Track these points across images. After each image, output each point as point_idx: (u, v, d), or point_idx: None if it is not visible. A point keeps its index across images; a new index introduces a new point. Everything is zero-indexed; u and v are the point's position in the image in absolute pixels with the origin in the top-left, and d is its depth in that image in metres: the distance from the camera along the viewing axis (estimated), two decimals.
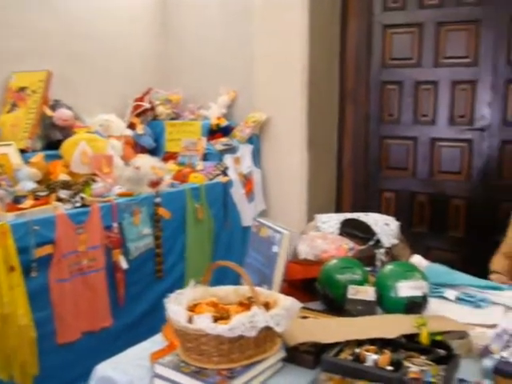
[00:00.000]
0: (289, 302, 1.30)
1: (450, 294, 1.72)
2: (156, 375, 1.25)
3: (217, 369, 1.21)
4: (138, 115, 3.56)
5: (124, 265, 2.63)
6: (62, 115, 3.01)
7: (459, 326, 1.44)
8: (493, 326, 1.54)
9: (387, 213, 3.69)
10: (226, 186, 3.29)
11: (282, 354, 1.32)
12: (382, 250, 2.51)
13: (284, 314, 1.26)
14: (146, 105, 3.58)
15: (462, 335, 1.42)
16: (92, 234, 2.49)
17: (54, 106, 3.04)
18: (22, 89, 3.00)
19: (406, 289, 1.56)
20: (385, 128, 3.68)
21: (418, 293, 1.56)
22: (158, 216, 2.83)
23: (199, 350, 1.22)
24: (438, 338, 1.36)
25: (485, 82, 3.34)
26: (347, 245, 1.95)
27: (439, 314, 1.56)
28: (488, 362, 1.26)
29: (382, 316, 1.52)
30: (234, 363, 1.22)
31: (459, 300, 1.70)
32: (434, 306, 1.67)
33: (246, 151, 3.45)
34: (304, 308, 1.62)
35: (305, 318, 1.56)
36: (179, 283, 2.93)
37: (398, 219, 3.70)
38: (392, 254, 2.56)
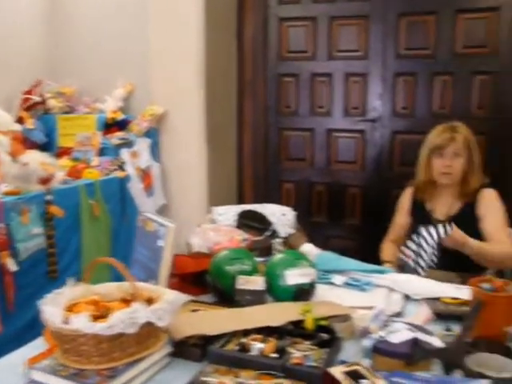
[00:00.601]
0: (172, 296, 1.28)
1: (338, 279, 1.77)
2: (31, 382, 1.18)
3: (97, 369, 1.16)
4: (28, 109, 3.38)
5: (12, 267, 2.48)
6: None
7: (343, 309, 1.49)
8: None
9: (287, 203, 3.76)
10: (124, 180, 3.20)
11: (168, 349, 1.30)
12: (279, 240, 2.55)
13: (167, 308, 1.23)
14: (36, 98, 3.41)
15: (346, 318, 1.46)
16: None
17: None
18: None
19: (294, 277, 1.58)
20: (283, 120, 3.74)
21: (306, 280, 1.59)
22: (49, 214, 2.70)
23: (78, 351, 1.17)
24: (323, 322, 1.40)
25: (375, 74, 3.48)
26: (240, 236, 1.96)
27: (326, 300, 1.61)
28: (367, 342, 1.30)
29: (270, 304, 1.54)
30: (115, 362, 1.18)
31: (346, 285, 1.76)
32: (323, 291, 1.71)
33: (143, 145, 3.37)
34: (194, 301, 1.61)
35: (195, 311, 1.54)
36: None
37: (297, 209, 3.78)
38: (289, 244, 2.61)
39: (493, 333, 1.37)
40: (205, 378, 1.19)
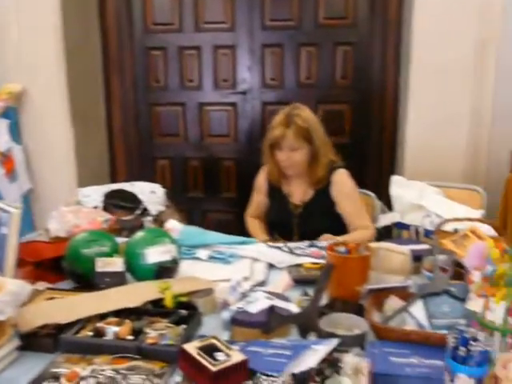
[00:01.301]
0: (15, 287, 1.19)
1: (202, 253, 1.76)
2: None
3: None
4: None
5: None
6: None
7: (203, 284, 1.48)
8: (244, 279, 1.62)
9: (163, 180, 3.71)
10: None
11: (15, 344, 1.21)
12: (150, 218, 2.51)
13: (8, 300, 1.15)
14: None
15: (208, 293, 1.46)
16: None
17: None
18: None
19: (154, 255, 1.55)
20: (153, 95, 3.64)
21: (167, 257, 1.56)
22: None
23: None
24: (183, 299, 1.38)
25: (243, 46, 3.47)
26: (102, 217, 1.88)
27: (190, 275, 1.59)
28: (226, 315, 1.31)
29: (130, 285, 1.49)
30: None
31: (210, 258, 1.75)
32: (188, 267, 1.70)
33: (1, 126, 3.12)
34: (51, 289, 1.53)
35: (51, 299, 1.46)
36: None
37: (173, 185, 3.75)
38: (160, 221, 2.57)
39: (347, 293, 1.43)
40: (55, 370, 1.13)
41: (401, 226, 2.37)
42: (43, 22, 3.14)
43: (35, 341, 1.25)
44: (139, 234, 1.62)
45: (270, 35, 3.45)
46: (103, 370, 1.13)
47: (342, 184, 2.19)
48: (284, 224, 2.24)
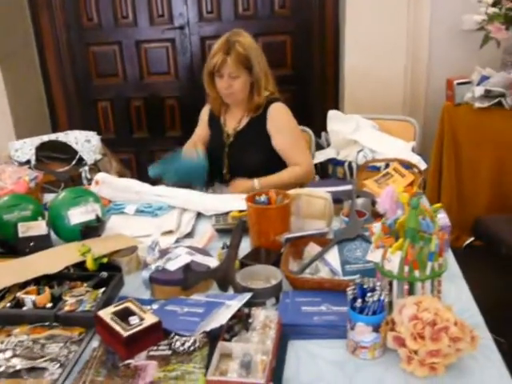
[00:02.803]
0: None
1: (129, 208, 1.76)
2: None
3: None
4: None
5: None
6: None
7: (126, 242, 1.49)
8: (169, 233, 1.64)
9: (106, 122, 3.65)
10: None
11: None
12: (87, 168, 2.48)
13: None
14: None
15: (132, 250, 1.47)
16: None
17: None
18: None
19: (77, 215, 1.54)
20: (87, 34, 3.49)
21: (91, 217, 1.56)
22: None
23: None
24: (104, 260, 1.39)
25: None
26: (28, 176, 1.84)
27: (116, 233, 1.60)
28: (145, 274, 1.33)
29: (50, 250, 1.48)
30: None
31: (138, 212, 1.75)
32: (117, 222, 1.70)
33: None
34: None
35: None
36: None
37: (117, 127, 3.69)
38: (98, 170, 2.54)
39: (268, 242, 1.46)
40: None
41: (336, 162, 2.41)
42: None
43: None
44: (62, 195, 1.61)
45: None
46: (21, 341, 1.15)
47: (278, 117, 2.14)
48: (215, 156, 2.20)
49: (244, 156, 2.13)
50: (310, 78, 3.46)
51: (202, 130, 2.30)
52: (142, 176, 3.74)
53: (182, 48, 3.46)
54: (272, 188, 1.62)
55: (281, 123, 2.13)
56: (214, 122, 2.24)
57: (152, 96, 3.58)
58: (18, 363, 1.09)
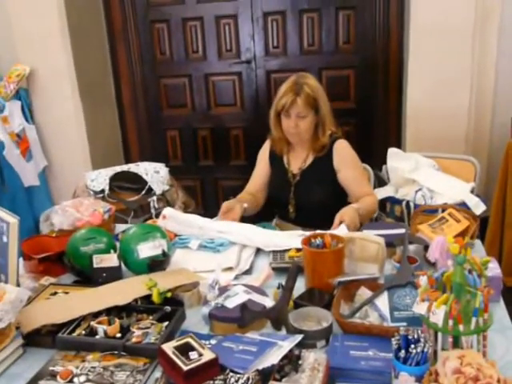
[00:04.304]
0: (13, 295, 1.34)
1: (193, 243, 1.87)
2: None
3: None
4: None
5: None
6: None
7: (189, 277, 1.60)
8: (229, 269, 1.74)
9: (174, 151, 3.84)
10: None
11: (18, 343, 1.37)
12: (155, 198, 2.64)
13: (7, 308, 1.29)
14: None
15: (194, 285, 1.58)
16: None
17: None
18: None
19: (146, 250, 1.67)
20: (159, 67, 3.70)
21: (158, 251, 1.69)
22: None
23: None
24: (168, 294, 1.51)
25: (245, 15, 3.48)
26: (103, 208, 2.00)
27: (179, 267, 1.72)
28: (205, 310, 1.43)
29: (120, 282, 1.62)
30: None
31: (201, 247, 1.86)
32: (180, 257, 1.82)
33: (14, 108, 3.26)
34: (54, 284, 1.68)
35: (54, 294, 1.61)
36: None
37: (184, 156, 3.87)
38: (165, 199, 2.70)
39: (322, 284, 1.54)
40: (52, 368, 1.29)
41: (394, 200, 2.44)
42: (44, 5, 3.21)
43: (37, 338, 1.40)
44: (132, 230, 1.75)
45: (271, 2, 3.45)
46: (94, 367, 1.28)
47: (344, 153, 2.25)
48: (281, 195, 2.31)
49: (310, 194, 2.23)
50: (373, 112, 3.52)
51: (262, 169, 2.39)
52: (206, 202, 3.92)
53: (248, 81, 3.60)
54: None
55: (348, 158, 2.24)
56: (276, 161, 2.33)
57: (218, 126, 3.74)
58: None
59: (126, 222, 2.52)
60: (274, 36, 3.50)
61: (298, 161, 2.29)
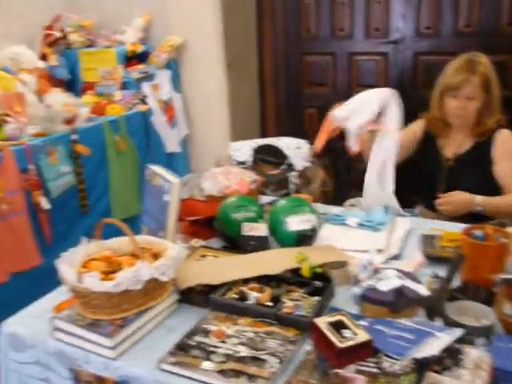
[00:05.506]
0: (175, 252, 1.39)
1: (351, 220, 1.84)
2: (56, 328, 1.35)
3: (110, 319, 1.31)
4: (50, 45, 3.43)
5: (46, 205, 2.65)
6: None
7: (339, 255, 1.58)
8: (379, 251, 1.69)
9: (310, 129, 3.81)
10: (146, 114, 3.28)
11: (174, 298, 1.43)
12: (295, 173, 2.64)
13: (169, 263, 1.35)
14: (57, 33, 3.44)
15: (342, 264, 1.56)
16: (8, 179, 2.49)
17: None
18: None
19: (295, 223, 1.67)
20: (304, 44, 3.69)
21: (307, 226, 1.68)
22: (76, 153, 2.83)
23: (92, 304, 1.31)
24: (319, 270, 1.50)
25: None
26: (249, 178, 2.03)
27: (327, 244, 1.70)
28: (356, 290, 1.40)
29: (271, 251, 1.64)
30: (125, 312, 1.32)
31: (359, 225, 1.83)
32: (332, 233, 1.80)
33: (164, 77, 3.41)
34: (204, 247, 1.74)
35: (204, 256, 1.67)
36: (105, 215, 3.00)
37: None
38: (305, 176, 2.70)
39: (480, 279, 1.44)
40: (205, 326, 1.33)
41: None
42: None
43: (190, 296, 1.46)
44: (282, 202, 1.76)
45: None
46: (245, 331, 1.31)
47: (507, 144, 2.10)
48: (429, 179, 2.20)
49: (463, 181, 2.10)
50: None
51: (407, 137, 2.22)
52: (338, 183, 3.88)
53: (394, 62, 3.48)
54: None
55: (510, 151, 2.07)
56: (429, 143, 2.22)
57: None
58: (243, 350, 1.24)
59: (265, 195, 2.54)
60: (428, 15, 3.33)
61: (453, 145, 2.16)
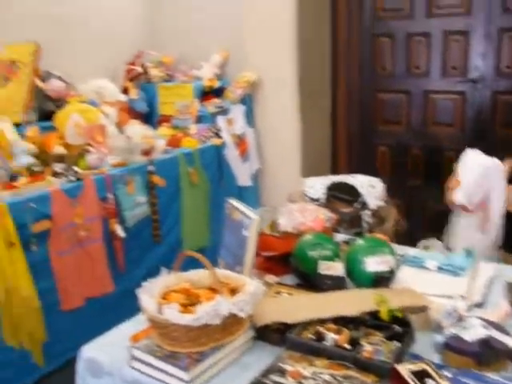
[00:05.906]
0: (253, 288, 1.39)
1: (430, 263, 1.78)
2: (133, 358, 1.36)
3: (187, 352, 1.32)
4: (132, 79, 3.59)
5: (121, 233, 2.73)
6: (53, 87, 3.06)
7: (419, 300, 1.52)
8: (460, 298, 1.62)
9: (382, 167, 3.77)
10: (220, 148, 3.35)
11: (250, 335, 1.42)
12: (368, 212, 2.59)
13: (247, 299, 1.35)
14: (139, 68, 3.60)
15: (422, 309, 1.50)
16: (88, 207, 2.59)
17: (45, 77, 3.08)
18: (13, 62, 3.03)
19: (374, 264, 1.63)
20: (378, 81, 3.67)
21: (385, 267, 1.64)
22: (152, 184, 2.91)
23: (170, 336, 1.32)
24: (398, 314, 1.45)
25: (478, 31, 3.29)
26: (324, 215, 2.02)
27: (405, 287, 1.65)
28: (439, 338, 1.34)
29: (348, 292, 1.60)
30: (202, 347, 1.32)
31: (438, 269, 1.77)
32: (411, 275, 1.74)
33: (238, 112, 3.48)
34: (279, 283, 1.73)
35: (278, 293, 1.65)
36: (176, 246, 3.06)
37: (392, 173, 3.78)
38: (378, 215, 2.64)
39: None
40: (281, 365, 1.31)
41: None
42: (279, 11, 3.37)
43: (266, 334, 1.44)
44: (360, 242, 1.73)
45: (510, 17, 3.20)
46: (321, 373, 1.27)
47: None
48: None
49: None
50: None
51: None
52: (411, 223, 3.78)
53: (472, 101, 3.40)
54: None
55: None
56: None
57: (432, 146, 3.59)
58: None
59: (338, 232, 2.51)
60: (508, 55, 3.25)
61: None
